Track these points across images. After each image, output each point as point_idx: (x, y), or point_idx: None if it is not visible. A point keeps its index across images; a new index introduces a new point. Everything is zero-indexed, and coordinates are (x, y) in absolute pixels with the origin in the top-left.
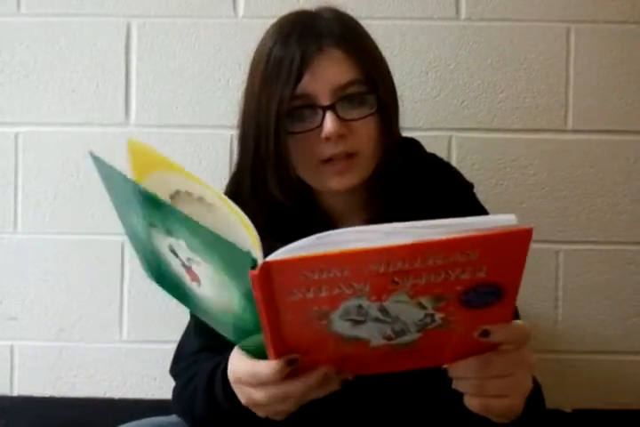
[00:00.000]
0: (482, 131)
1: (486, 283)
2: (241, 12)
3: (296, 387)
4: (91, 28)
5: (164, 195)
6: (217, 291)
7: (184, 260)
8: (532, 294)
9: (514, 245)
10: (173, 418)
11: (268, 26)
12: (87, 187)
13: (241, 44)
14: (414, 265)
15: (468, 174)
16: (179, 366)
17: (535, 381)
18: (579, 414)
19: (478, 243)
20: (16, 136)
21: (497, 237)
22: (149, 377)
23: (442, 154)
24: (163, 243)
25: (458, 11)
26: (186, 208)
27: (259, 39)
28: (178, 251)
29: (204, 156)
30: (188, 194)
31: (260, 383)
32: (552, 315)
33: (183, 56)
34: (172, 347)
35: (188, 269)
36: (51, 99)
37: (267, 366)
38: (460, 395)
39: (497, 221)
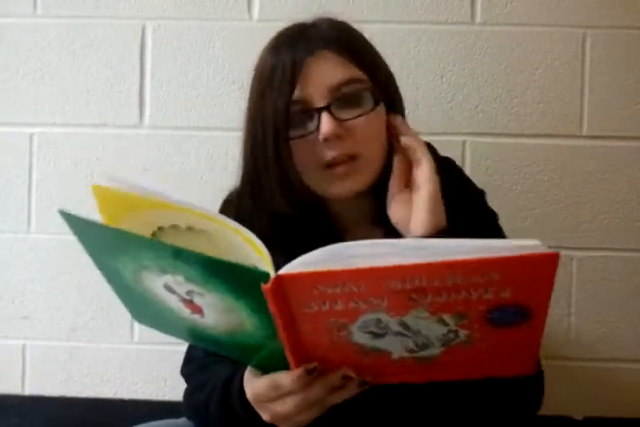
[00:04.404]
0: (496, 136)
1: (511, 304)
2: (255, 15)
3: (316, 391)
4: (106, 30)
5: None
6: (224, 316)
7: (183, 294)
8: None
9: (539, 268)
10: (184, 421)
11: (281, 29)
12: None
13: (255, 47)
14: (432, 284)
15: (481, 179)
16: (189, 368)
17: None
18: (590, 421)
19: (496, 265)
20: (31, 137)
21: (516, 260)
22: (160, 378)
23: (455, 158)
24: (156, 283)
25: (473, 15)
26: (176, 241)
27: None
28: (175, 287)
29: (217, 158)
30: (174, 227)
31: (281, 395)
32: (565, 322)
33: (197, 58)
34: (184, 349)
35: (189, 302)
36: (65, 100)
37: (287, 377)
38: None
39: (520, 244)
